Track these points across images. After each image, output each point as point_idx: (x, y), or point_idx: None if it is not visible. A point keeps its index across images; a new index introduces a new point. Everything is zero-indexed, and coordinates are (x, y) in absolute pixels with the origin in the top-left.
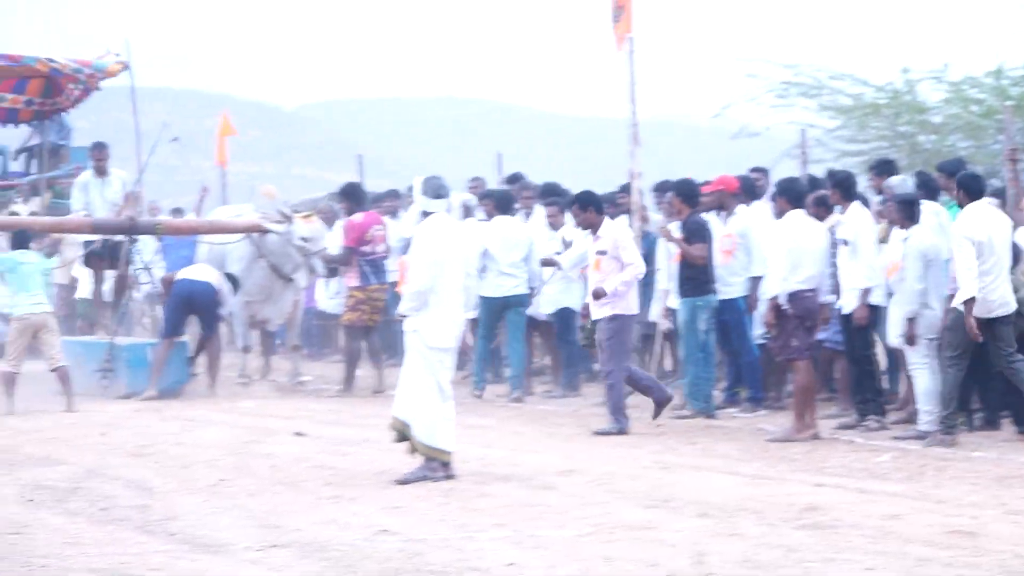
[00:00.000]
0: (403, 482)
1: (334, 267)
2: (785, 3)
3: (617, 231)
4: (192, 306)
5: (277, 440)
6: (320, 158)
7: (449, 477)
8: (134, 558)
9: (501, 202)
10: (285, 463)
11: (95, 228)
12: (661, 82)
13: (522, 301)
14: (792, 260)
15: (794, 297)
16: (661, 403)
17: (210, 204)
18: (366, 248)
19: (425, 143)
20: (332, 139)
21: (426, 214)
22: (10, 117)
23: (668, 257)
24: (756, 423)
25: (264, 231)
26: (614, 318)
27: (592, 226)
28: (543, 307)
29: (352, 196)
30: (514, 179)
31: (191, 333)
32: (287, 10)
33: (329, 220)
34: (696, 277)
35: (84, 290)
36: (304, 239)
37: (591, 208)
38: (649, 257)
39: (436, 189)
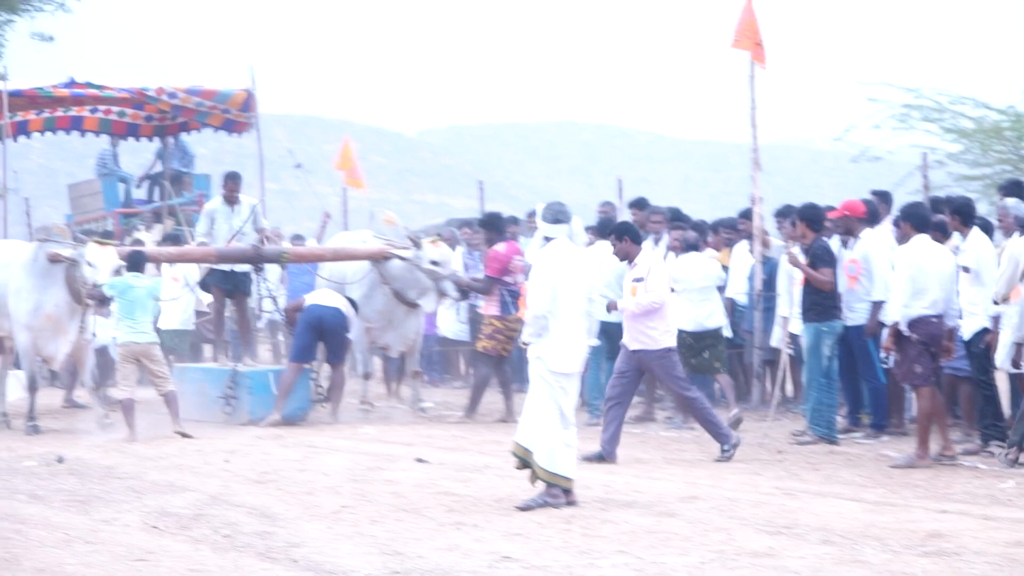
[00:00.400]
0: (525, 508)
1: (466, 291)
2: (906, 27)
3: (652, 260)
4: (322, 331)
5: (399, 466)
6: (441, 184)
7: (571, 504)
8: None
9: (601, 226)
10: (407, 489)
11: (221, 257)
12: (782, 106)
13: (615, 326)
14: (916, 285)
15: (917, 323)
16: None
17: (331, 229)
18: (508, 278)
19: (547, 168)
20: (453, 165)
21: (547, 239)
22: (131, 131)
23: (790, 282)
24: (879, 449)
25: (389, 257)
26: (667, 351)
27: (628, 256)
28: None
29: (493, 226)
30: (640, 204)
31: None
32: (408, 36)
33: (449, 246)
34: (821, 302)
35: (169, 320)
36: (435, 263)
37: (626, 238)
38: (770, 282)
39: (556, 214)
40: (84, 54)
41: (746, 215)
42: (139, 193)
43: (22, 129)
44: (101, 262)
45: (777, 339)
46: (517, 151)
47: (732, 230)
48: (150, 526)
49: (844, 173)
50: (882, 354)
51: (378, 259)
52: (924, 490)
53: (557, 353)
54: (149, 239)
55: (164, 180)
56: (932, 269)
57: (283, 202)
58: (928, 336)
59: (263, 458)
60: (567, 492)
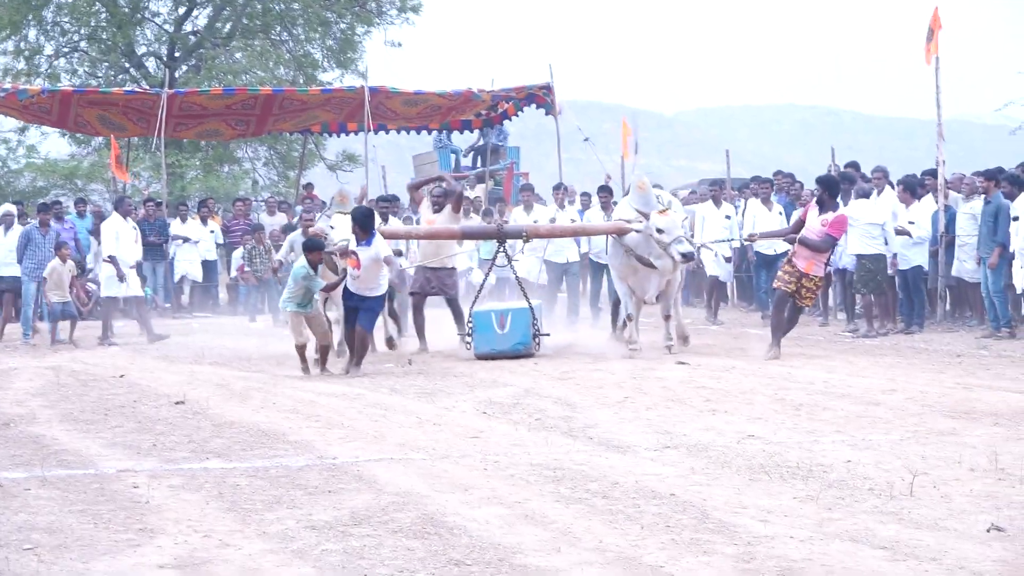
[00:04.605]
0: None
1: (688, 256)
2: None
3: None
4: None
5: (666, 368)
6: (692, 153)
7: None
8: (563, 456)
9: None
10: (673, 384)
11: (466, 235)
12: (960, 86)
13: None
14: None
15: None
16: None
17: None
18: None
19: (772, 140)
20: (701, 138)
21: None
22: (464, 125)
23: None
24: None
25: (624, 231)
26: None
27: None
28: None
29: (829, 188)
30: (854, 166)
31: None
32: (668, 34)
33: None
34: None
35: None
36: (659, 230)
37: None
38: (950, 225)
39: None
40: (425, 57)
41: (931, 174)
42: (466, 161)
43: (382, 126)
44: (340, 228)
45: (956, 270)
46: (750, 127)
47: (922, 187)
48: (481, 412)
49: (1005, 143)
50: None
51: (615, 234)
52: None
53: None
54: (472, 196)
55: (485, 151)
56: None
57: (573, 168)
58: None
59: (563, 362)
60: None
